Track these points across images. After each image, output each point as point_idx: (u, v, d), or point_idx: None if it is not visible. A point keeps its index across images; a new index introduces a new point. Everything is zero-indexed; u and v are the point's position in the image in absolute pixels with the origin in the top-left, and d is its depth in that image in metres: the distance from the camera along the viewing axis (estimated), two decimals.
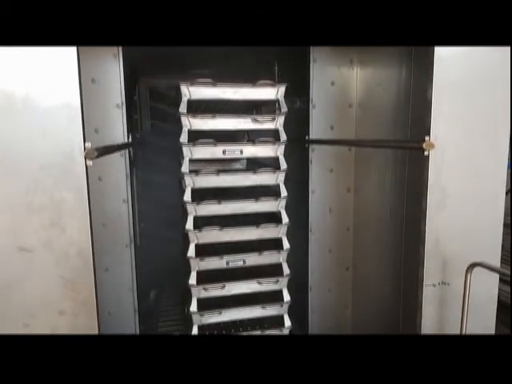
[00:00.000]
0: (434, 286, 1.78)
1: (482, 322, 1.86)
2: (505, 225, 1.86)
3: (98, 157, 1.34)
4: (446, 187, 1.73)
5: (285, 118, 2.44)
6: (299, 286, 2.88)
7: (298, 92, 2.79)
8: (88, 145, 1.31)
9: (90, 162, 1.32)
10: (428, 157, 1.68)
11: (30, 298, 1.36)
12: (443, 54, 1.64)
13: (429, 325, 1.81)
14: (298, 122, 2.78)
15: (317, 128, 2.63)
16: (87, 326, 1.41)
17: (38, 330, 1.37)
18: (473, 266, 1.67)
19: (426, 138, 1.67)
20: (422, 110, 1.79)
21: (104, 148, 1.55)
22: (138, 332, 2.53)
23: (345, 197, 2.75)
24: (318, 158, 2.67)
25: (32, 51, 1.30)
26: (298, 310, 2.92)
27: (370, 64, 2.53)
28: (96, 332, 1.41)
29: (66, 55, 1.31)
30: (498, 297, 1.90)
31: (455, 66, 1.67)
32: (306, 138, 2.65)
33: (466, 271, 1.67)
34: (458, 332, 1.71)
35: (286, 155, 2.46)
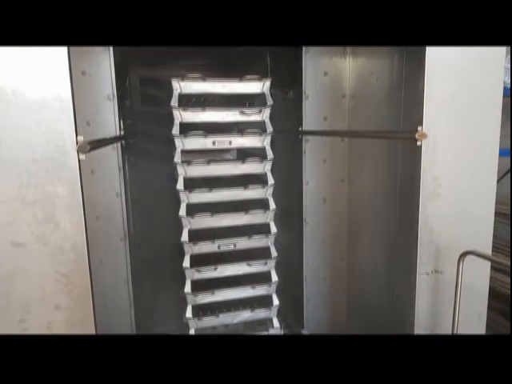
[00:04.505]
0: (427, 274, 1.81)
1: (475, 309, 1.89)
2: (500, 214, 1.88)
3: (90, 150, 1.33)
4: (438, 177, 1.74)
5: (278, 110, 2.46)
6: (294, 275, 2.91)
7: (291, 83, 2.78)
8: (80, 138, 1.30)
9: (82, 156, 1.31)
10: (421, 147, 1.69)
11: (25, 293, 1.35)
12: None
13: (422, 313, 1.84)
14: (291, 113, 2.78)
15: (310, 119, 2.62)
16: (83, 320, 1.41)
17: (34, 325, 1.37)
18: (465, 254, 1.69)
19: (419, 128, 1.67)
20: (414, 99, 1.80)
21: (97, 141, 1.54)
22: (133, 324, 2.54)
23: (339, 187, 2.76)
24: (311, 149, 2.67)
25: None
26: (293, 299, 2.96)
27: (362, 54, 2.52)
28: (92, 326, 1.41)
29: (57, 48, 1.29)
30: (496, 288, 1.93)
31: (447, 55, 1.67)
32: (300, 129, 2.65)
33: (459, 259, 1.70)
34: (450, 320, 1.74)
35: (279, 146, 2.47)
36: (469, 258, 1.69)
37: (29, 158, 1.30)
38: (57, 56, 1.29)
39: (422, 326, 1.85)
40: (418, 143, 1.68)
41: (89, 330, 1.42)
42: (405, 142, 2.01)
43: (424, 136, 1.66)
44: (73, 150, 1.30)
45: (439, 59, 1.66)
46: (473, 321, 1.89)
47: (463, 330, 1.74)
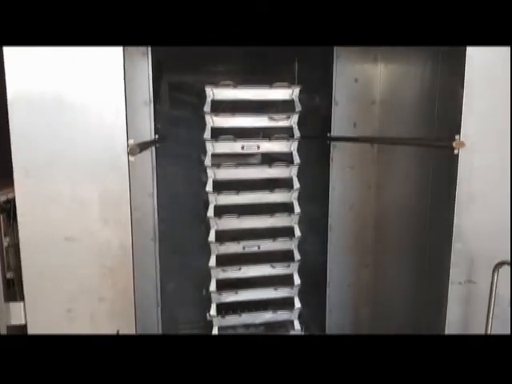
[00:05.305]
0: (460, 283, 1.79)
1: (508, 321, 1.86)
2: None
3: (139, 152, 1.39)
4: (474, 186, 1.72)
5: (306, 115, 2.49)
6: (318, 281, 2.90)
7: (321, 88, 2.80)
8: (131, 141, 1.36)
9: (132, 158, 1.37)
10: (458, 155, 1.68)
11: (73, 284, 1.43)
12: (474, 50, 1.63)
13: (453, 323, 1.82)
14: (319, 118, 2.79)
15: (339, 125, 2.64)
16: (124, 312, 1.48)
17: (79, 316, 1.45)
18: (500, 264, 1.68)
19: (457, 136, 1.67)
20: (449, 107, 1.79)
21: (143, 144, 1.60)
22: (160, 323, 2.58)
23: (366, 194, 2.75)
24: (339, 155, 2.68)
25: (79, 51, 1.34)
26: (316, 305, 2.95)
27: (394, 60, 2.52)
28: (133, 318, 1.47)
29: (111, 55, 1.35)
30: None
31: (487, 62, 1.66)
32: (328, 134, 2.66)
33: (493, 270, 1.68)
34: (483, 331, 1.71)
35: (307, 152, 2.48)
36: (504, 268, 1.67)
37: (84, 160, 1.37)
38: (112, 64, 1.35)
39: None
40: (455, 152, 1.67)
41: (129, 321, 1.48)
42: (439, 149, 2.00)
43: (462, 145, 1.65)
44: (123, 153, 1.35)
45: (478, 65, 1.65)
46: (506, 332, 1.86)
47: None
